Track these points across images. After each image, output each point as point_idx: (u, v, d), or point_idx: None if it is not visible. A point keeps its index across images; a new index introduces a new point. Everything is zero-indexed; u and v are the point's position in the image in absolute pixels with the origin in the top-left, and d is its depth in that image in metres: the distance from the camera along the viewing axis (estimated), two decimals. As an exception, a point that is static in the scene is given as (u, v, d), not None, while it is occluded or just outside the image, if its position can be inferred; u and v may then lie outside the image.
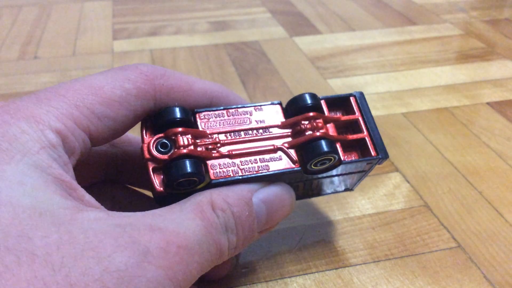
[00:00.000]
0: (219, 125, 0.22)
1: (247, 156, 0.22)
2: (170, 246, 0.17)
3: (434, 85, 0.46)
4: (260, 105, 0.23)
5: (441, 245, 0.28)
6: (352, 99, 0.24)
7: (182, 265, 0.17)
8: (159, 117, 0.21)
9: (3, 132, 0.17)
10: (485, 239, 0.29)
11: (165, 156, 0.20)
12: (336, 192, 0.27)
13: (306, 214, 0.31)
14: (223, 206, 0.20)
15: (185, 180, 0.20)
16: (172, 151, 0.20)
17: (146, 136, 0.21)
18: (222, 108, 0.23)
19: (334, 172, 0.23)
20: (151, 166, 0.21)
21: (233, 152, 0.21)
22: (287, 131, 0.23)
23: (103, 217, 0.17)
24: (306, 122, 0.22)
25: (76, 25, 0.61)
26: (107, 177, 0.26)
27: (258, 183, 0.22)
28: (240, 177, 0.21)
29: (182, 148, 0.20)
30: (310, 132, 0.22)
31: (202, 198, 0.20)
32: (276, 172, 0.22)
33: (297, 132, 0.22)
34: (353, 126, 0.24)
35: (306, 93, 0.23)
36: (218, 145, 0.22)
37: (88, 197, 0.18)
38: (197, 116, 0.22)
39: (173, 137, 0.21)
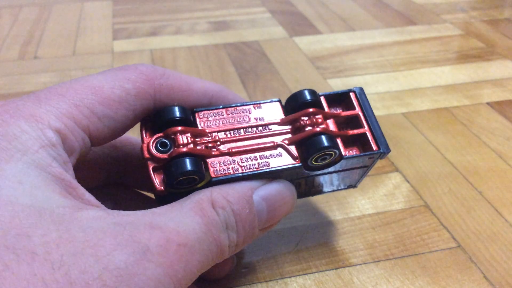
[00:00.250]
0: (218, 123, 0.22)
1: (247, 154, 0.22)
2: (170, 244, 0.17)
3: (434, 85, 0.46)
4: (259, 103, 0.23)
5: (441, 245, 0.28)
6: (352, 94, 0.24)
7: (182, 263, 0.17)
8: (159, 117, 0.21)
9: (3, 131, 0.17)
10: (485, 239, 0.29)
11: (165, 155, 0.20)
12: (339, 189, 0.27)
13: (306, 214, 0.31)
14: (223, 203, 0.20)
15: (185, 178, 0.20)
16: (171, 150, 0.21)
17: (145, 136, 0.21)
18: (221, 107, 0.23)
19: (335, 168, 0.23)
20: (151, 166, 0.21)
21: (233, 150, 0.21)
22: (287, 127, 0.23)
23: (102, 216, 0.17)
24: (306, 118, 0.22)
25: (76, 25, 0.61)
26: (109, 179, 0.26)
27: (259, 180, 0.21)
28: (241, 175, 0.21)
29: (181, 146, 0.20)
30: (310, 128, 0.22)
31: (202, 196, 0.20)
32: (276, 168, 0.21)
33: (297, 129, 0.22)
34: (354, 122, 0.24)
35: (305, 89, 0.23)
36: (218, 143, 0.22)
37: (88, 195, 0.18)
38: (196, 115, 0.22)
39: (173, 136, 0.21)
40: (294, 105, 0.23)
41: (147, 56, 0.53)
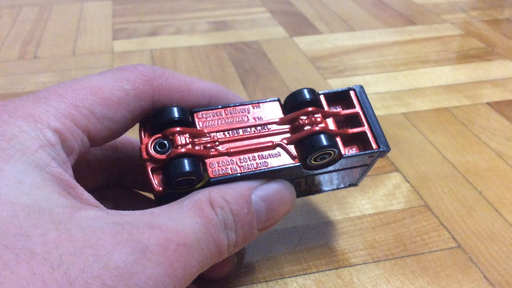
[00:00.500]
0: (217, 123, 0.22)
1: (245, 154, 0.22)
2: (169, 244, 0.17)
3: (434, 85, 0.46)
4: (258, 102, 0.23)
5: (441, 245, 0.28)
6: (352, 92, 0.24)
7: (181, 262, 0.17)
8: (157, 118, 0.21)
9: (2, 131, 0.17)
10: (485, 239, 0.29)
11: (163, 156, 0.20)
12: (340, 188, 0.27)
13: (306, 214, 0.31)
14: (221, 203, 0.20)
15: (184, 179, 0.20)
16: (170, 151, 0.20)
17: (144, 136, 0.22)
18: (219, 106, 0.23)
19: (335, 167, 0.23)
20: (149, 166, 0.21)
21: (232, 150, 0.21)
22: (286, 127, 0.23)
23: (101, 215, 0.17)
24: (305, 117, 0.22)
25: (76, 25, 0.61)
26: (109, 180, 0.26)
27: (258, 180, 0.21)
28: (239, 175, 0.21)
29: (180, 147, 0.20)
30: (308, 127, 0.22)
31: (200, 196, 0.20)
32: (275, 168, 0.21)
33: (295, 128, 0.22)
34: (354, 120, 0.24)
35: (304, 88, 0.23)
36: (216, 143, 0.22)
37: (87, 195, 0.18)
38: (195, 115, 0.22)
39: (171, 137, 0.21)
40: (293, 104, 0.23)
41: (147, 56, 0.53)
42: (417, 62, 0.51)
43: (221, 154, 0.21)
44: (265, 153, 0.22)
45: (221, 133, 0.22)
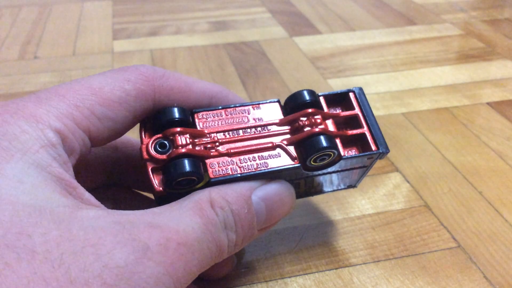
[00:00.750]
0: (217, 124, 0.22)
1: (245, 154, 0.22)
2: (169, 243, 0.17)
3: (434, 85, 0.46)
4: (258, 103, 0.23)
5: (441, 245, 0.28)
6: (351, 94, 0.24)
7: (182, 262, 0.17)
8: (157, 118, 0.21)
9: (3, 131, 0.17)
10: (485, 239, 0.29)
11: (164, 156, 0.20)
12: (339, 189, 0.27)
13: (306, 214, 0.31)
14: (222, 204, 0.20)
15: (184, 179, 0.20)
16: (170, 151, 0.21)
17: (144, 137, 0.22)
18: (220, 107, 0.23)
19: (335, 168, 0.23)
20: (150, 167, 0.21)
21: (232, 151, 0.21)
22: (286, 128, 0.23)
23: (102, 215, 0.17)
24: (305, 119, 0.22)
25: (76, 25, 0.61)
26: (110, 180, 0.26)
27: (258, 180, 0.22)
28: (239, 175, 0.21)
29: (180, 147, 0.20)
30: (308, 128, 0.22)
31: (201, 196, 0.20)
32: (275, 169, 0.22)
33: (295, 129, 0.22)
34: (353, 122, 0.24)
35: (304, 89, 0.23)
36: (217, 144, 0.22)
37: (87, 195, 0.18)
38: (195, 116, 0.22)
39: (171, 137, 0.21)
40: (293, 105, 0.23)
41: (147, 56, 0.53)
42: (417, 62, 0.51)
43: (221, 154, 0.21)
44: (265, 154, 0.22)
45: (222, 133, 0.22)
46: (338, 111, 0.24)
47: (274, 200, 0.22)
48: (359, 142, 0.23)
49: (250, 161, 0.22)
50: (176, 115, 0.21)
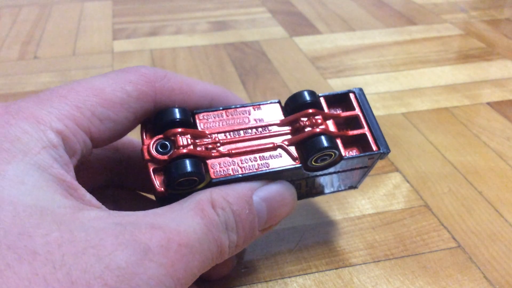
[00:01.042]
0: (218, 125, 0.22)
1: (247, 155, 0.22)
2: (171, 244, 0.17)
3: (434, 85, 0.46)
4: (259, 104, 0.23)
5: (441, 245, 0.28)
6: (351, 95, 0.24)
7: (183, 262, 0.17)
8: (159, 119, 0.21)
9: (5, 132, 0.17)
10: (485, 239, 0.29)
11: (165, 157, 0.20)
12: (340, 190, 0.27)
13: (306, 214, 0.31)
14: (223, 204, 0.20)
15: (185, 179, 0.20)
16: (171, 152, 0.21)
17: (146, 137, 0.22)
18: (221, 108, 0.23)
19: (336, 168, 0.23)
20: (151, 167, 0.21)
21: (233, 151, 0.21)
22: (287, 128, 0.23)
23: (103, 216, 0.17)
24: (305, 119, 0.22)
25: (76, 25, 0.61)
26: (110, 181, 0.26)
27: (259, 181, 0.22)
28: (241, 176, 0.21)
29: (181, 148, 0.20)
30: (309, 129, 0.22)
31: (202, 197, 0.20)
32: (276, 169, 0.22)
33: (296, 129, 0.22)
34: (354, 122, 0.24)
35: (305, 90, 0.23)
36: (218, 144, 0.22)
37: (89, 196, 0.18)
38: (196, 117, 0.22)
39: (173, 138, 0.21)
40: (294, 106, 0.23)
41: (147, 56, 0.53)
42: (417, 62, 0.51)
43: (222, 155, 0.21)
44: (266, 154, 0.22)
45: (223, 134, 0.22)
46: (338, 111, 0.24)
47: (275, 200, 0.22)
48: (360, 142, 0.23)
49: (251, 162, 0.22)
50: (177, 115, 0.21)
